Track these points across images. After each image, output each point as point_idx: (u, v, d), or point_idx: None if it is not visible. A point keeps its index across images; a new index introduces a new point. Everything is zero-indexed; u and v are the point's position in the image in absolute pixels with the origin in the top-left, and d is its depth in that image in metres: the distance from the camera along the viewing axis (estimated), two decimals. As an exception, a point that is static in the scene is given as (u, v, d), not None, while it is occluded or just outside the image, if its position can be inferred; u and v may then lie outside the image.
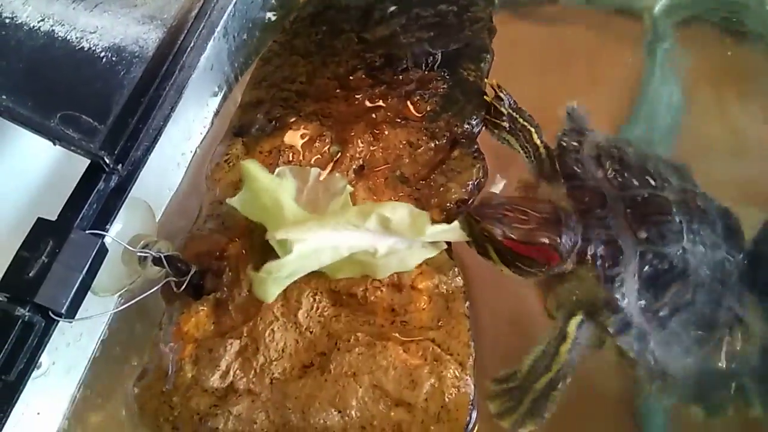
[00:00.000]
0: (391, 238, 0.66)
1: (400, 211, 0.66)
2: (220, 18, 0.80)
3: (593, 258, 0.56)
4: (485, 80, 0.88)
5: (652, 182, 0.62)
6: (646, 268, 0.56)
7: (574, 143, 0.67)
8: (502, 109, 0.74)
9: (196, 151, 0.86)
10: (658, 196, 0.60)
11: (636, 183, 0.61)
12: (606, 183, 0.61)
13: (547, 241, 0.56)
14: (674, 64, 0.96)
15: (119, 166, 0.64)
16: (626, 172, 0.62)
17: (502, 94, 0.76)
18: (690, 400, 0.61)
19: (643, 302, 0.57)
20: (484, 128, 0.80)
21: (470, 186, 0.78)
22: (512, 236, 0.56)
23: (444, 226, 0.68)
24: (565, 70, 1.01)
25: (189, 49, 0.72)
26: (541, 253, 0.57)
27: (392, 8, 0.99)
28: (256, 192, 0.68)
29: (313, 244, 0.63)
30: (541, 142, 0.72)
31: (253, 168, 0.68)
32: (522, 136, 0.73)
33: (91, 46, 0.65)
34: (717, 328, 0.60)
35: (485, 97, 0.78)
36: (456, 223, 0.67)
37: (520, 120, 0.73)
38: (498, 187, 0.72)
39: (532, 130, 0.72)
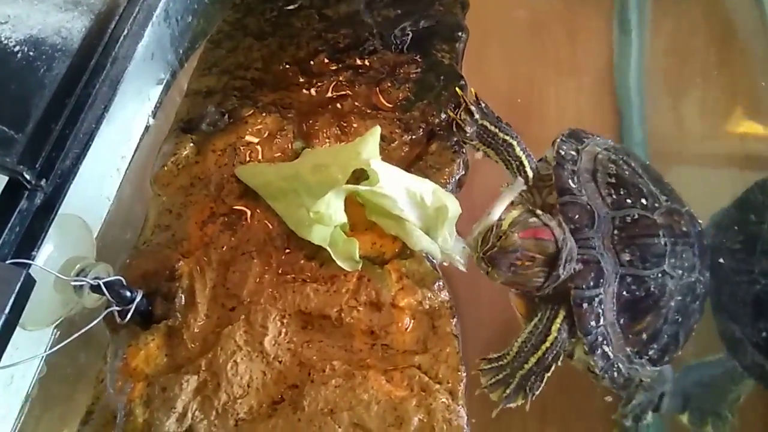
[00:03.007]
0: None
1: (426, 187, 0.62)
2: (159, 0, 0.69)
3: (573, 278, 0.56)
4: (461, 63, 0.81)
5: (644, 202, 0.61)
6: (625, 292, 0.57)
7: (572, 152, 0.64)
8: (467, 128, 0.68)
9: (137, 151, 0.75)
10: (647, 217, 0.59)
11: (629, 202, 0.60)
12: (599, 200, 0.60)
13: (543, 281, 0.57)
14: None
15: (43, 182, 0.55)
16: (621, 189, 0.61)
17: (473, 108, 0.68)
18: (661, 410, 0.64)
19: (618, 325, 0.57)
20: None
21: (451, 183, 0.71)
22: (519, 288, 0.60)
23: (455, 244, 0.63)
24: (538, 48, 0.94)
25: (122, 37, 0.62)
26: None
27: (355, -19, 0.89)
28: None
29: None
30: (525, 153, 0.66)
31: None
32: (504, 151, 0.67)
33: (2, 39, 0.54)
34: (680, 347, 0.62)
35: (449, 111, 0.71)
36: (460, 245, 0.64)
37: (500, 135, 0.67)
38: (514, 190, 0.64)
39: (514, 143, 0.66)
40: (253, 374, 0.59)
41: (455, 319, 0.62)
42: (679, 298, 0.60)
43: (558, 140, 0.64)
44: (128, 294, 0.59)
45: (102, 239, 0.69)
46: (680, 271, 0.60)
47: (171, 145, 0.73)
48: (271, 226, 0.67)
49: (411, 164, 0.71)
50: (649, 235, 0.58)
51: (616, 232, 0.58)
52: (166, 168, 0.71)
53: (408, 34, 0.82)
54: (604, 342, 0.57)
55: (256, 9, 0.89)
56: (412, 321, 0.61)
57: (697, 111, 0.90)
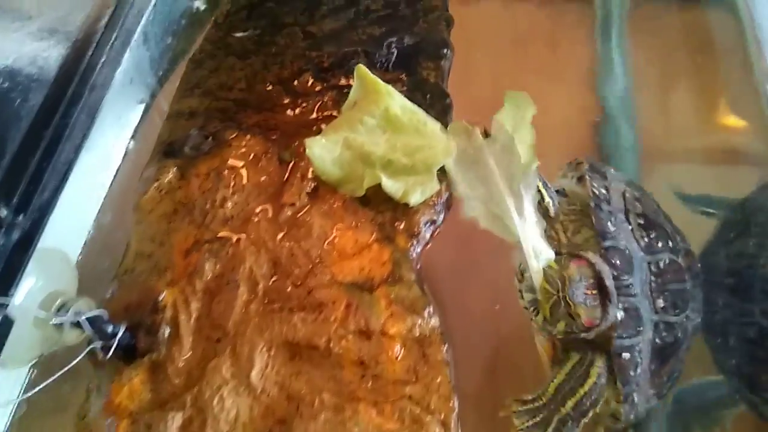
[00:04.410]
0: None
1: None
2: (137, 23, 0.68)
3: (615, 326, 0.54)
4: (446, 80, 0.80)
5: (670, 244, 0.60)
6: (657, 339, 0.56)
7: (603, 191, 0.61)
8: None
9: (116, 177, 0.73)
10: (675, 262, 0.59)
11: (660, 246, 0.59)
12: (634, 243, 0.58)
13: (599, 321, 0.54)
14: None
15: (20, 217, 0.53)
16: (651, 232, 0.59)
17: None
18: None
19: (649, 372, 0.56)
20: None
21: (439, 204, 0.69)
22: (595, 322, 0.54)
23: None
24: (521, 59, 0.93)
25: (100, 64, 0.61)
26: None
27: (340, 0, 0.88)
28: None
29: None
30: (546, 188, 0.62)
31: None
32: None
33: (-26, 70, 0.53)
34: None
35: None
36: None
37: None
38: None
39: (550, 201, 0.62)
40: (240, 409, 0.57)
41: (446, 346, 0.61)
42: (691, 337, 0.60)
43: (587, 176, 0.61)
44: (110, 329, 0.58)
45: (82, 268, 0.67)
46: (696, 314, 0.60)
47: (153, 171, 0.71)
48: (257, 253, 0.65)
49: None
50: (679, 280, 0.58)
51: (652, 278, 0.57)
52: (148, 194, 0.70)
53: (393, 52, 0.81)
54: (636, 390, 0.56)
55: (240, 28, 0.87)
56: (403, 349, 0.60)
57: (683, 114, 0.89)
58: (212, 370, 0.58)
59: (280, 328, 0.60)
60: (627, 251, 0.57)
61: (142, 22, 0.71)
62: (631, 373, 0.55)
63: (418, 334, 0.61)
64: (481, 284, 0.68)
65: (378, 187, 0.67)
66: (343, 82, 0.79)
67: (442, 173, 0.70)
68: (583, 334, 0.54)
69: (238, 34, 0.86)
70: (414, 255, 0.66)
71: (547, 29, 0.97)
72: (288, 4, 0.90)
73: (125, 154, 0.76)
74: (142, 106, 0.78)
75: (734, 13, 0.93)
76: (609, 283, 0.53)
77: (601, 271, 0.54)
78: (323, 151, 0.67)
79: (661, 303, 0.56)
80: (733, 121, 0.86)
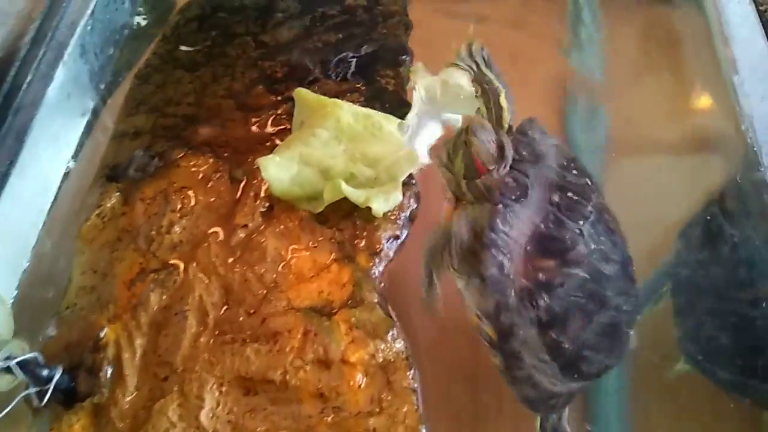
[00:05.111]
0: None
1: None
2: (71, 36, 0.63)
3: (503, 190, 0.57)
4: (407, 87, 0.76)
5: (589, 182, 0.61)
6: (542, 225, 0.56)
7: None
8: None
9: (56, 201, 0.68)
10: (587, 185, 0.60)
11: (575, 173, 0.60)
12: (553, 163, 0.60)
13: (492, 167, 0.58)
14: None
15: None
16: (574, 167, 0.61)
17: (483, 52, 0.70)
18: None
19: (523, 249, 0.55)
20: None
21: (402, 218, 0.66)
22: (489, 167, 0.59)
23: None
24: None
25: (27, 83, 0.56)
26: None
27: (294, 6, 0.84)
28: None
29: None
30: (509, 105, 0.66)
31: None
32: (489, 95, 0.67)
33: None
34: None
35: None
36: None
37: (495, 82, 0.67)
38: None
39: (503, 92, 0.66)
40: (190, 453, 0.53)
41: (412, 371, 0.57)
42: (587, 277, 0.56)
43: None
44: (45, 373, 0.53)
45: (20, 303, 0.63)
46: (595, 247, 0.57)
47: (95, 196, 0.67)
48: (207, 280, 0.61)
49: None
50: (583, 197, 0.58)
51: (556, 180, 0.58)
52: (89, 222, 0.65)
53: (350, 61, 0.77)
54: (504, 247, 0.55)
55: (189, 39, 0.83)
56: (365, 378, 0.56)
57: (652, 105, 0.88)
58: (158, 412, 0.54)
59: (232, 362, 0.56)
60: (540, 152, 0.59)
61: (77, 33, 0.66)
62: (503, 231, 0.55)
63: (381, 360, 0.57)
64: (451, 295, 0.64)
65: (337, 204, 0.63)
66: (298, 93, 0.75)
67: (406, 185, 0.66)
68: (477, 181, 0.58)
69: (186, 48, 0.82)
70: (376, 274, 0.63)
71: (514, 30, 0.94)
72: (240, 14, 0.86)
73: (65, 176, 0.71)
74: (83, 124, 0.73)
75: (700, 8, 0.92)
76: (508, 148, 0.58)
77: (504, 141, 0.59)
78: (279, 170, 0.63)
79: (556, 198, 0.57)
80: (701, 112, 0.85)
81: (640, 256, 0.60)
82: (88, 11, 0.67)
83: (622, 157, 0.79)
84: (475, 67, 0.69)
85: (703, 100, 0.87)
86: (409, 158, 0.64)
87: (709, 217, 0.71)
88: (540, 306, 0.54)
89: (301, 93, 0.68)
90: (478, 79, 0.68)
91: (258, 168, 0.68)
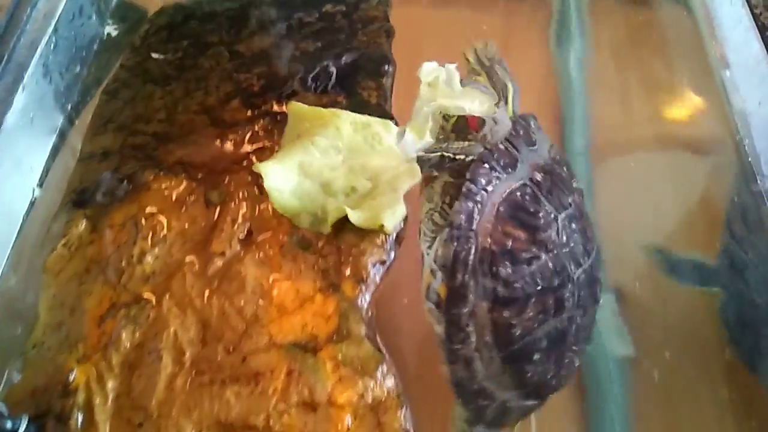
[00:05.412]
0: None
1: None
2: (31, 57, 0.59)
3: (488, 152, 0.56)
4: (390, 99, 0.73)
5: (576, 183, 0.61)
6: (518, 193, 0.55)
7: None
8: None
9: (21, 231, 0.64)
10: (573, 184, 0.59)
11: (564, 169, 0.60)
12: (545, 151, 0.60)
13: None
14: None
15: None
16: (564, 164, 0.61)
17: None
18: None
19: (495, 210, 0.54)
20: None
21: (389, 242, 0.62)
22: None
23: None
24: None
25: (-21, 111, 0.52)
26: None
27: (270, 13, 0.80)
28: None
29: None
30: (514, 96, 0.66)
31: None
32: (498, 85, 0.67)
33: None
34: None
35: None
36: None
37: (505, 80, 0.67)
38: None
39: (509, 85, 0.66)
40: (168, 507, 0.49)
41: (404, 410, 0.54)
42: (552, 268, 0.54)
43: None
44: (9, 425, 0.49)
45: (-17, 344, 0.59)
46: (566, 242, 0.55)
47: (61, 225, 0.63)
48: (183, 315, 0.57)
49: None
50: (565, 187, 0.58)
51: (542, 166, 0.58)
52: (56, 252, 0.61)
53: (330, 72, 0.73)
54: (480, 202, 0.54)
55: (159, 50, 0.78)
56: (354, 420, 0.53)
57: (638, 104, 0.86)
58: (133, 463, 0.50)
59: (210, 406, 0.52)
60: (537, 140, 0.59)
61: (38, 53, 0.62)
62: (483, 180, 0.54)
63: (371, 401, 0.54)
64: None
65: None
66: (276, 108, 0.71)
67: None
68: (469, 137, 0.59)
69: (156, 56, 0.77)
70: (363, 304, 0.59)
71: (499, 35, 0.92)
72: (212, 21, 0.81)
73: (31, 205, 0.67)
74: (49, 148, 0.69)
75: (689, 10, 0.90)
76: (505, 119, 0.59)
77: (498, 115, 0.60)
78: (279, 179, 0.60)
79: (538, 178, 0.56)
80: (687, 110, 0.85)
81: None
82: (50, 28, 0.63)
83: (605, 161, 0.78)
84: (487, 64, 0.68)
85: (692, 103, 0.85)
86: (410, 173, 0.61)
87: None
88: (500, 276, 0.51)
89: (296, 106, 0.65)
90: (490, 73, 0.67)
91: (235, 190, 0.64)
